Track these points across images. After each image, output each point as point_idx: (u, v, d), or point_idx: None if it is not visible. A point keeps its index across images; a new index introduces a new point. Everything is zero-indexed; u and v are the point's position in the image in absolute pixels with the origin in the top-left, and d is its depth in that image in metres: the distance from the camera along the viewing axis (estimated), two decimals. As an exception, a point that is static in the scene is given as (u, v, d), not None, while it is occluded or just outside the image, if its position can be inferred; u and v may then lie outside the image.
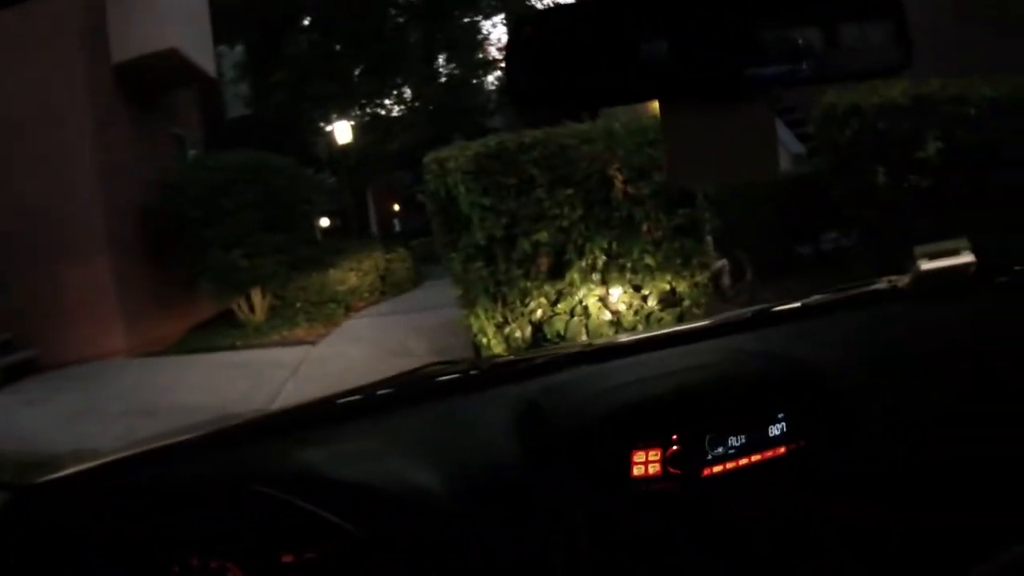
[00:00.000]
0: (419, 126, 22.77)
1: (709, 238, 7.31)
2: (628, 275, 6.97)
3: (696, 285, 7.12)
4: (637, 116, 7.03)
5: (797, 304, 1.83)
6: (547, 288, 6.95)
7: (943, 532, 1.43)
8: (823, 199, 8.27)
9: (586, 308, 6.97)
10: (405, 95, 25.06)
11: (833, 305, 1.86)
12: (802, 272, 8.85)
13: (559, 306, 7.00)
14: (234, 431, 1.58)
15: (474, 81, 26.29)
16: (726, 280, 8.56)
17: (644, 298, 7.07)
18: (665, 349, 1.72)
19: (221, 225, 11.23)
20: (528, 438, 1.46)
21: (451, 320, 8.15)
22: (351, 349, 10.14)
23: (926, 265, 1.70)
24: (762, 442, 1.40)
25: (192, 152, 14.54)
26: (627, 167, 6.82)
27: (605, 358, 1.68)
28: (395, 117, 24.94)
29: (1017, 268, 1.85)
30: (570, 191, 6.76)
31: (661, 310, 7.00)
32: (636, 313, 7.01)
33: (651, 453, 1.34)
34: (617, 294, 7.02)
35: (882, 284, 1.85)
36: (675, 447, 1.34)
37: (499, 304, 7.01)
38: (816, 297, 1.86)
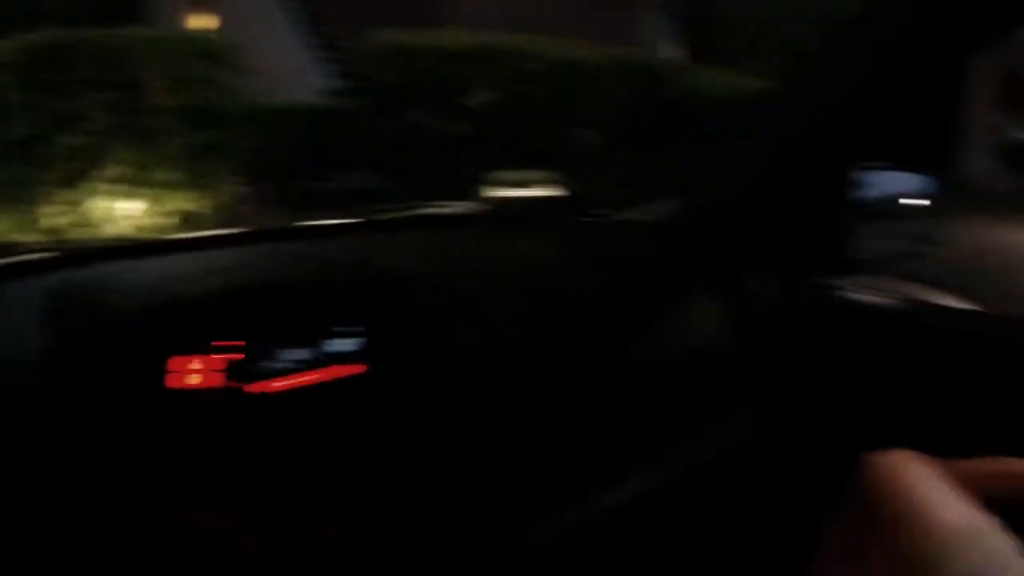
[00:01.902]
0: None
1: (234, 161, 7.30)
2: (153, 189, 6.83)
3: (217, 207, 7.12)
4: (182, 26, 6.92)
5: (357, 220, 1.65)
6: (67, 195, 6.67)
7: (526, 463, 1.34)
8: (353, 136, 8.31)
9: (104, 219, 6.77)
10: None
11: (398, 222, 1.69)
12: (325, 206, 8.67)
13: (75, 215, 6.75)
14: None
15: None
16: (246, 206, 8.60)
17: (166, 214, 6.94)
18: (210, 249, 1.49)
19: None
20: (52, 334, 1.22)
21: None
22: None
23: (502, 192, 1.57)
24: (327, 358, 1.21)
25: None
26: (167, 77, 6.71)
27: (141, 254, 1.44)
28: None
29: (599, 210, 1.80)
30: (106, 95, 6.56)
31: (179, 229, 6.77)
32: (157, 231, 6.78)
33: (193, 361, 1.14)
34: (137, 208, 6.85)
35: (444, 208, 1.73)
36: (222, 356, 1.15)
37: (11, 206, 6.64)
38: (374, 216, 1.69)
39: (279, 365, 1.19)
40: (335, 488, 1.22)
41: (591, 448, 1.36)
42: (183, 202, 6.93)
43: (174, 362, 1.13)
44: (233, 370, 1.16)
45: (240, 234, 1.52)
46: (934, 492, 0.72)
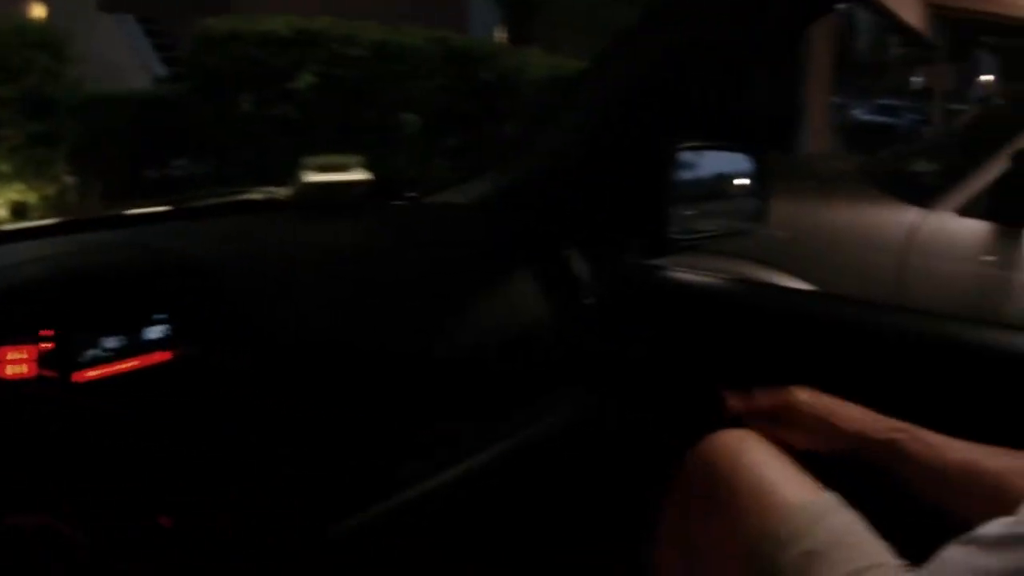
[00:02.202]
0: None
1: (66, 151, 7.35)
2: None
3: (46, 198, 7.15)
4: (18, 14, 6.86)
5: (172, 207, 1.66)
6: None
7: (342, 450, 1.32)
8: (181, 124, 8.29)
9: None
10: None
11: (212, 209, 1.69)
12: (151, 195, 8.65)
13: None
14: None
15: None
16: (77, 196, 8.43)
17: (-2, 206, 6.87)
18: (31, 239, 1.48)
19: None
20: None
21: None
22: None
23: (313, 177, 1.61)
24: (142, 345, 1.19)
25: None
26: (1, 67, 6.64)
27: None
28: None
29: (410, 193, 1.79)
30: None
31: (11, 221, 6.75)
32: (-12, 223, 6.94)
33: (21, 351, 1.13)
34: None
35: (259, 194, 1.70)
36: (45, 345, 1.14)
37: None
38: (190, 202, 1.70)
39: (94, 354, 1.17)
40: (161, 479, 1.17)
41: (410, 433, 1.36)
42: (14, 193, 6.98)
43: (1, 351, 1.12)
44: (47, 359, 1.14)
45: (60, 223, 1.53)
46: (773, 470, 0.78)
